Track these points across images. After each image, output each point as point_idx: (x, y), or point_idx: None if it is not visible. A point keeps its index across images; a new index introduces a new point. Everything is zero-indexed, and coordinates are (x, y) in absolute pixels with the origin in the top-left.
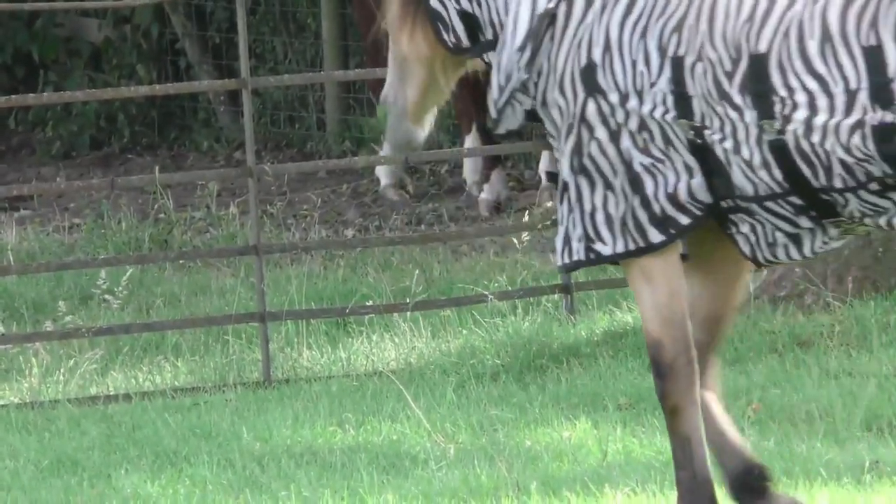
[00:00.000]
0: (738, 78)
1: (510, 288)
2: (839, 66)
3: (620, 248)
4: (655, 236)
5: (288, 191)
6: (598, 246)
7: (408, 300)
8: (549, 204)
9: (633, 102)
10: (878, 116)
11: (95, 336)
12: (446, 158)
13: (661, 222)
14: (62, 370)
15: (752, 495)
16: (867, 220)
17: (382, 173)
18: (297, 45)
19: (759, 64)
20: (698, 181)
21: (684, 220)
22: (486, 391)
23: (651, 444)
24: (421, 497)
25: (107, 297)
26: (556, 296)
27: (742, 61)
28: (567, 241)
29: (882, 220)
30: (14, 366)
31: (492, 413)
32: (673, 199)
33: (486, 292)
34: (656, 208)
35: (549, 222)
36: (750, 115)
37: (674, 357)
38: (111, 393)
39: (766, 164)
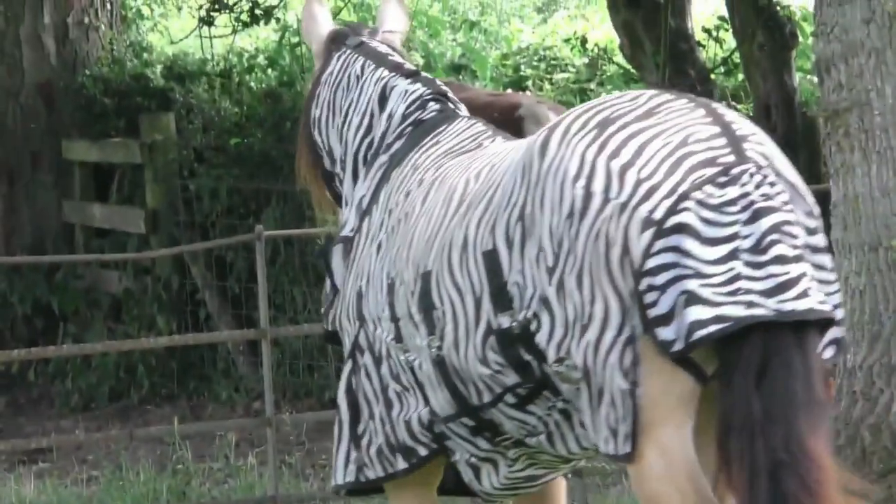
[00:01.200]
0: (416, 297)
1: None
2: (469, 275)
3: (380, 473)
4: (401, 463)
5: (306, 440)
6: (367, 471)
7: None
8: None
9: (379, 330)
10: (497, 321)
11: None
12: None
13: (404, 450)
14: None
15: None
16: (529, 441)
17: None
18: (316, 295)
19: (426, 281)
20: (428, 409)
21: (422, 450)
22: None
23: None
24: None
25: None
26: None
27: (418, 280)
28: (346, 461)
29: (539, 440)
30: None
31: None
32: (408, 427)
33: None
34: (400, 436)
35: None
36: (423, 334)
37: None
38: None
39: (439, 383)
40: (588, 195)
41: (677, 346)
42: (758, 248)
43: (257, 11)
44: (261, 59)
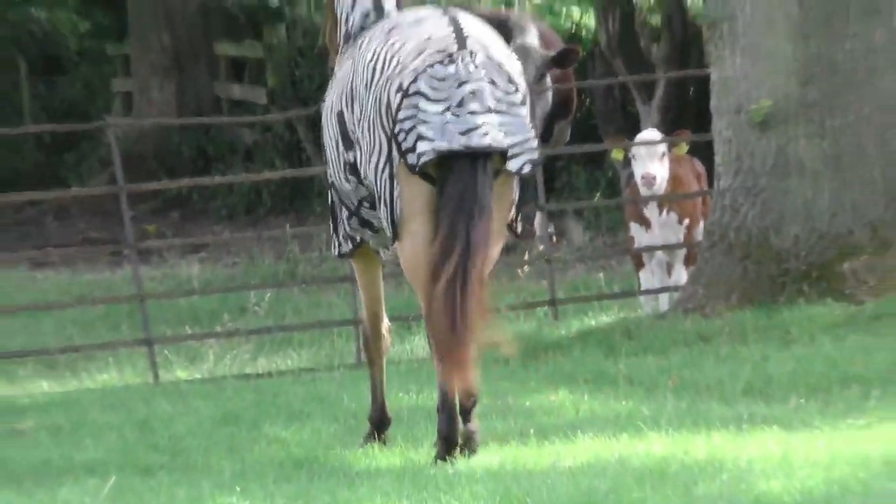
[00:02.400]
0: (344, 124)
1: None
2: (333, 126)
3: (336, 253)
4: (347, 247)
5: None
6: (334, 249)
7: None
8: (541, 248)
9: (339, 148)
10: (346, 156)
11: (249, 335)
12: None
13: (347, 238)
14: (228, 357)
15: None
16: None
17: None
18: None
19: (342, 116)
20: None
21: (357, 237)
22: (499, 371)
23: (607, 406)
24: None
25: (256, 309)
26: (546, 307)
27: (341, 114)
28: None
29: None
30: (198, 354)
31: (503, 385)
32: (349, 223)
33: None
34: (346, 228)
35: (538, 260)
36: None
37: (367, 327)
38: (260, 372)
39: (339, 194)
40: (373, 72)
41: (417, 168)
42: (460, 106)
43: None
44: None
